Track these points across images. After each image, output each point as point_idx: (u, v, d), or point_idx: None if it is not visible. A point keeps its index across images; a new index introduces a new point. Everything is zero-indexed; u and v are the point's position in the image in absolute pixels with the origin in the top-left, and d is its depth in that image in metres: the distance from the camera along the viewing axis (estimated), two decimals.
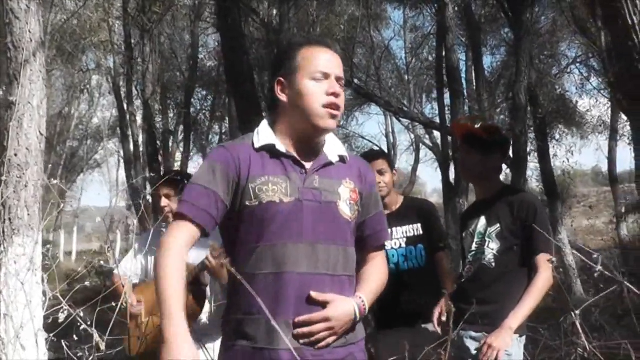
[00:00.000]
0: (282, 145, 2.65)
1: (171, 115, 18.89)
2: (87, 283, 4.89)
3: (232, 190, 2.59)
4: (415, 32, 25.98)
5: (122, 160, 28.88)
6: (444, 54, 14.70)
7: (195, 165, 22.61)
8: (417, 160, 31.00)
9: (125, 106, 16.41)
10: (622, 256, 12.59)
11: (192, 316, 4.17)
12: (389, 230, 4.59)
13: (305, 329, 2.49)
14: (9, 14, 4.26)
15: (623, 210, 15.38)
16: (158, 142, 14.82)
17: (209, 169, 2.60)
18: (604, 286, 4.28)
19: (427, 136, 28.58)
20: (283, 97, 2.67)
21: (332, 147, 2.74)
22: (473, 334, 3.80)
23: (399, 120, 29.35)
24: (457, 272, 4.86)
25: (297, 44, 2.73)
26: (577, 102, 23.57)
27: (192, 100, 19.41)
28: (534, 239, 3.78)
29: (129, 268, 4.68)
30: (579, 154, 23.35)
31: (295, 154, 2.65)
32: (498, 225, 3.90)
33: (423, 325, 4.46)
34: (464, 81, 15.65)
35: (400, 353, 3.88)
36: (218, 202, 2.56)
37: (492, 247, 3.89)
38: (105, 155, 37.71)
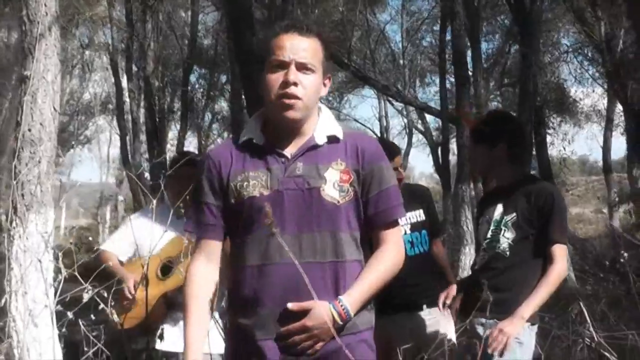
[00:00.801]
0: (262, 138, 2.65)
1: (168, 93, 18.83)
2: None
3: (219, 192, 2.66)
4: (413, 16, 25.93)
5: (114, 137, 28.87)
6: (447, 38, 14.75)
7: (189, 144, 22.49)
8: (409, 144, 31.04)
9: (124, 83, 16.40)
10: (614, 245, 12.60)
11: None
12: None
13: (289, 341, 2.46)
14: None
15: (617, 200, 15.40)
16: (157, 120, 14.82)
17: (200, 182, 2.71)
18: (603, 276, 4.26)
19: (419, 121, 28.62)
20: (261, 90, 2.67)
21: (323, 128, 2.67)
22: (484, 320, 3.73)
23: (392, 104, 29.45)
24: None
25: (270, 35, 2.69)
26: (574, 91, 23.78)
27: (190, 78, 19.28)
28: (550, 229, 3.75)
29: (120, 246, 4.52)
30: (570, 143, 23.36)
31: (275, 145, 2.62)
32: (514, 214, 3.84)
33: (428, 309, 4.47)
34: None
35: (405, 341, 3.94)
36: (213, 209, 2.67)
37: (508, 236, 3.84)
38: (96, 132, 37.49)
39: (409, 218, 4.53)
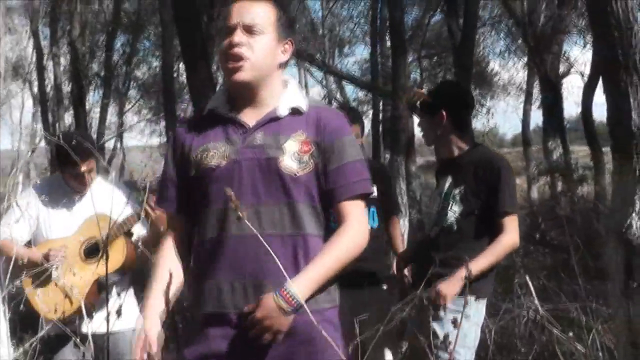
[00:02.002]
0: (226, 108, 2.63)
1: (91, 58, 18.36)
2: None
3: (183, 166, 2.66)
4: None
5: (29, 102, 27.88)
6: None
7: (112, 112, 21.89)
8: None
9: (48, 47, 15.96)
10: (530, 219, 12.86)
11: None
12: None
13: (249, 336, 2.42)
14: None
15: (536, 172, 15.74)
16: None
17: (166, 158, 2.76)
18: (533, 248, 4.32)
19: (338, 91, 28.61)
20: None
21: (287, 99, 2.63)
22: None
23: (312, 75, 29.35)
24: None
25: (225, 8, 2.71)
26: (492, 64, 24.19)
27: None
28: (499, 200, 3.76)
29: (18, 229, 4.19)
30: (493, 116, 23.92)
31: (237, 115, 2.60)
32: (462, 186, 3.86)
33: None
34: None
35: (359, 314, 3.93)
36: (178, 184, 2.68)
37: (455, 210, 3.86)
38: (7, 97, 36.07)
39: None
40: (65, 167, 4.12)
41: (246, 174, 2.50)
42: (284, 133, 2.55)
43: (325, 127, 2.58)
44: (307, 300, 2.40)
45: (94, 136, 16.25)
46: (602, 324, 4.81)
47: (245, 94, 2.61)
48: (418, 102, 4.08)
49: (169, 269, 2.52)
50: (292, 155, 2.51)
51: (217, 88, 8.40)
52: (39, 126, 23.91)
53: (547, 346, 5.10)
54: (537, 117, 23.74)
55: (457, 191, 3.86)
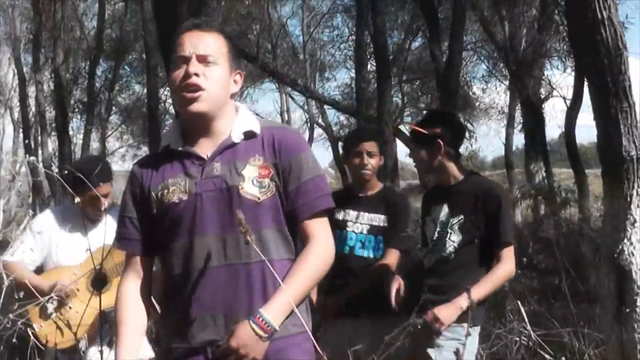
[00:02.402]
0: (180, 142, 2.60)
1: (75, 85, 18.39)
2: None
3: (142, 205, 2.61)
4: (313, 11, 25.96)
5: (9, 128, 27.73)
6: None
7: (94, 138, 21.86)
8: (310, 139, 31.05)
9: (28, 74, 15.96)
10: (517, 243, 12.86)
11: None
12: (357, 213, 4.50)
13: None
14: None
15: (519, 195, 15.79)
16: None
17: (124, 197, 2.69)
18: (521, 272, 4.33)
19: (320, 115, 28.69)
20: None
21: (240, 125, 2.60)
22: None
23: (293, 99, 29.44)
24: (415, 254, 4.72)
25: (174, 37, 2.64)
26: (481, 89, 24.39)
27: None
28: (498, 231, 3.76)
29: (30, 256, 4.20)
30: (476, 140, 24.14)
31: (191, 148, 2.57)
32: (461, 216, 3.84)
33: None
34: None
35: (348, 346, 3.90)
36: (137, 224, 2.63)
37: (454, 240, 3.84)
38: None
39: (371, 219, 4.43)
40: (81, 192, 4.05)
41: (209, 205, 2.47)
42: (241, 159, 2.52)
43: (280, 146, 2.56)
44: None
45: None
46: (594, 349, 4.82)
47: (200, 125, 2.57)
48: (410, 134, 4.08)
49: (135, 307, 2.58)
50: (252, 181, 2.49)
51: None
52: (21, 152, 23.88)
53: None
54: (518, 140, 23.97)
55: (455, 221, 3.85)
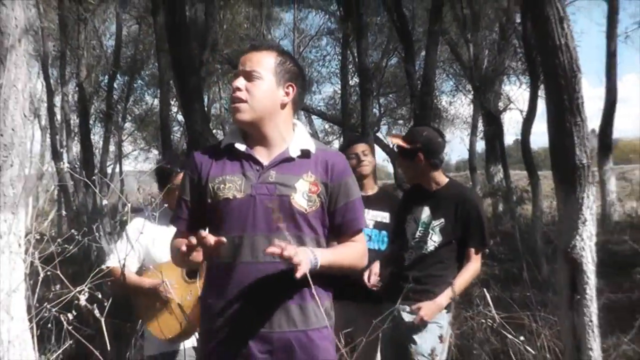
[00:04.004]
0: (243, 145, 2.59)
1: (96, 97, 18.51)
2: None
3: (197, 191, 2.62)
4: (303, 32, 25.90)
5: (37, 133, 27.68)
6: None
7: (111, 143, 21.80)
8: None
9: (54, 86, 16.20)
10: None
11: None
12: None
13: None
14: None
15: (481, 195, 15.94)
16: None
17: (183, 180, 2.71)
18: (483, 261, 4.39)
19: (307, 124, 28.62)
20: None
21: (297, 142, 2.62)
22: (408, 308, 3.87)
23: None
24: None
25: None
26: (448, 102, 24.48)
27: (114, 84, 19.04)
28: (472, 234, 3.91)
29: (128, 259, 4.01)
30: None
31: (254, 152, 2.58)
32: (442, 220, 3.94)
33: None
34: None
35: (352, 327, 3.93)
36: (189, 205, 2.65)
37: (435, 240, 3.94)
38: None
39: (375, 216, 4.44)
40: (163, 187, 4.10)
41: (261, 207, 2.48)
42: (296, 173, 2.55)
43: (332, 169, 2.60)
44: (306, 321, 2.49)
45: (98, 165, 16.28)
46: (549, 329, 4.88)
47: (253, 133, 2.59)
48: (395, 147, 4.16)
49: None
50: (303, 194, 2.52)
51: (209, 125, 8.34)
52: (48, 154, 23.93)
53: (502, 349, 5.18)
54: (479, 146, 24.22)
55: (436, 223, 3.95)
